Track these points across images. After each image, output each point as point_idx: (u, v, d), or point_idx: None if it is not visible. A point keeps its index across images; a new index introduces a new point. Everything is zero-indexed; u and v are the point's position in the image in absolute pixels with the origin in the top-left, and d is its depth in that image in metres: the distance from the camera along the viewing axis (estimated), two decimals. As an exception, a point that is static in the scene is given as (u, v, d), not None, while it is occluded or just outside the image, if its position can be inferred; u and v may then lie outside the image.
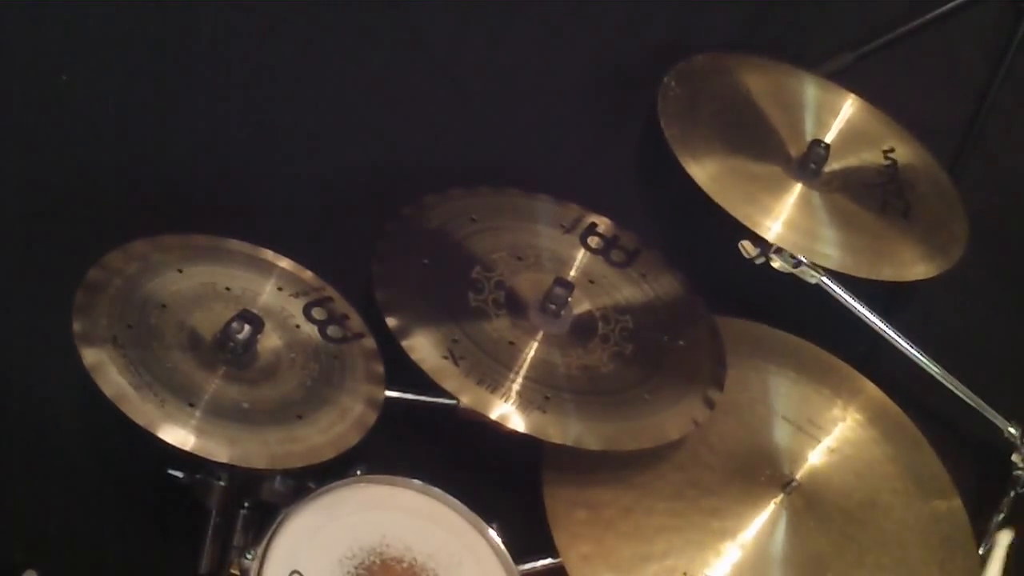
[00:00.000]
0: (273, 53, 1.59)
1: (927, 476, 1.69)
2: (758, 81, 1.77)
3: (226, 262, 1.50)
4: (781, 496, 1.59)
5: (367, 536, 1.41)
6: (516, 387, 1.48)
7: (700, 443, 1.60)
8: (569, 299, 1.57)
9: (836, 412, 1.71)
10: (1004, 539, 1.57)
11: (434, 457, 1.67)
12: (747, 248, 1.63)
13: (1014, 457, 1.74)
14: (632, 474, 1.55)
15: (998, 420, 1.73)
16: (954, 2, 1.82)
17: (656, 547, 1.51)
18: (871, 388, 1.75)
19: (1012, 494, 1.74)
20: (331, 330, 1.50)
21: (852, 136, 1.78)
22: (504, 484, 1.58)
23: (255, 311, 1.42)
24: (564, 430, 1.46)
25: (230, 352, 1.40)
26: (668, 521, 1.54)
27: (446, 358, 1.47)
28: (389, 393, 1.47)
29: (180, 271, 1.46)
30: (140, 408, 1.30)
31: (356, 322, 1.52)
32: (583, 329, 1.59)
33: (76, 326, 1.33)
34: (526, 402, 1.46)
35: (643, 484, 1.55)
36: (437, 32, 1.67)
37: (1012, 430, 1.73)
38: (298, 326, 1.48)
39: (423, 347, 1.47)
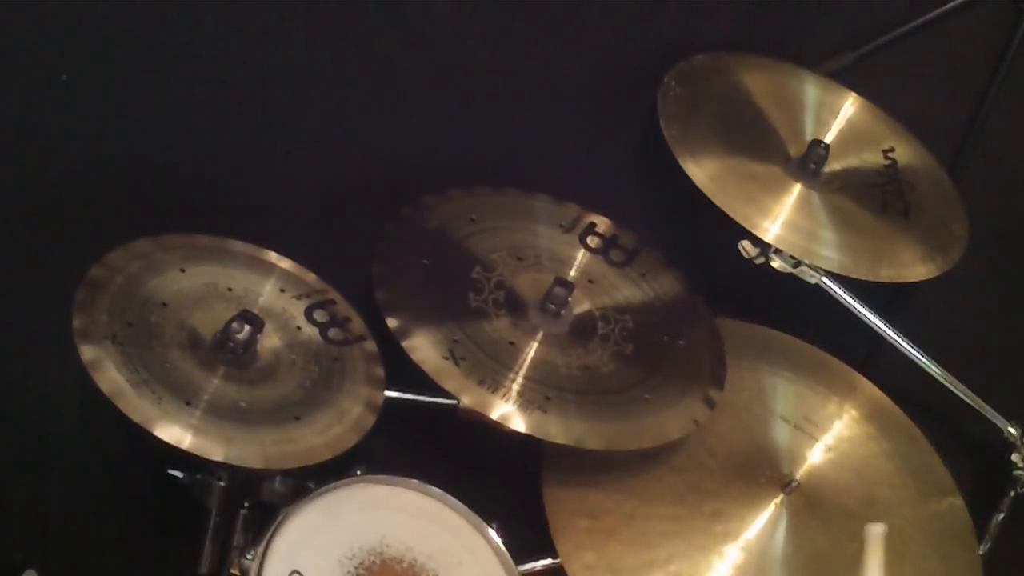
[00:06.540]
0: (273, 53, 1.59)
1: (926, 471, 1.69)
2: (758, 81, 1.77)
3: (228, 263, 1.50)
4: (781, 496, 1.59)
5: (367, 536, 1.41)
6: (516, 387, 1.47)
7: (699, 446, 1.59)
8: (569, 299, 1.57)
9: (832, 409, 1.70)
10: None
11: (434, 457, 1.67)
12: (747, 248, 1.63)
13: (1014, 457, 1.74)
14: (633, 480, 1.55)
15: (998, 420, 1.73)
16: (954, 2, 1.82)
17: (659, 553, 1.51)
18: (866, 385, 1.75)
19: (1012, 494, 1.74)
20: (332, 332, 1.49)
21: (852, 136, 1.78)
22: (504, 484, 1.58)
23: (255, 311, 1.42)
24: (565, 430, 1.46)
25: (230, 352, 1.40)
26: (670, 526, 1.53)
27: (447, 358, 1.47)
28: (389, 393, 1.47)
29: (182, 271, 1.45)
30: (137, 405, 1.30)
31: (358, 325, 1.52)
32: (583, 329, 1.58)
33: (76, 322, 1.33)
34: (527, 402, 1.46)
35: (644, 489, 1.55)
36: (437, 32, 1.67)
37: (1012, 430, 1.73)
38: (299, 328, 1.48)
39: (423, 347, 1.47)
